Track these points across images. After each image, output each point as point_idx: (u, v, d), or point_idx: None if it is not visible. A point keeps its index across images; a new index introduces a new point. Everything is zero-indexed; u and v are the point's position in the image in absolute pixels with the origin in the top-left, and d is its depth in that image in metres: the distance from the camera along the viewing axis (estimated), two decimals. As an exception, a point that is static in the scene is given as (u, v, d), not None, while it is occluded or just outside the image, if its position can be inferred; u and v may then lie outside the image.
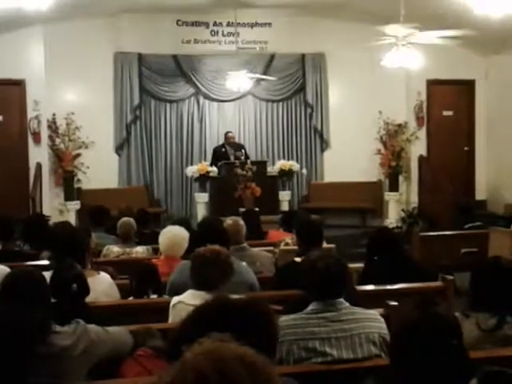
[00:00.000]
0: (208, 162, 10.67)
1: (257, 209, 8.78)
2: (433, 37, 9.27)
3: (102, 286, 4.02)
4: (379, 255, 4.66)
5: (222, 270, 3.49)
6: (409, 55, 8.96)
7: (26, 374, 2.15)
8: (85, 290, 3.44)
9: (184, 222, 5.97)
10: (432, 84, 11.68)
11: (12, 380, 2.05)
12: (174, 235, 4.97)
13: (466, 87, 11.98)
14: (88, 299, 3.50)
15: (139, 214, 6.99)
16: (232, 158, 10.53)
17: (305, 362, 2.81)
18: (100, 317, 3.44)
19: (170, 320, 3.52)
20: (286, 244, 6.29)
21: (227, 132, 11.11)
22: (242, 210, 8.47)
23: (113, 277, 4.33)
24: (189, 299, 3.41)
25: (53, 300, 3.37)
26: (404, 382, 1.88)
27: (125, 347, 3.00)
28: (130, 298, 4.13)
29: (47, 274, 3.46)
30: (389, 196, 11.49)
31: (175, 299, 3.54)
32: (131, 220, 6.01)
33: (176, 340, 1.85)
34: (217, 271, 3.46)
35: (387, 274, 4.43)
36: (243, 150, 10.66)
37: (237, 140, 11.21)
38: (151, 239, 5.98)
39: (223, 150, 10.82)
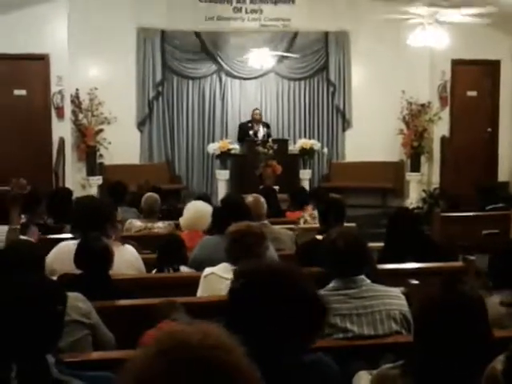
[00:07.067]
0: (229, 140, 10.70)
1: (276, 187, 8.78)
2: (459, 16, 9.15)
3: (126, 258, 4.04)
4: (399, 235, 4.66)
5: (263, 248, 3.49)
6: (434, 34, 8.85)
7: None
8: (109, 262, 3.49)
9: (203, 198, 6.02)
10: (457, 64, 11.52)
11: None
12: (197, 210, 5.02)
13: (491, 68, 11.81)
14: (112, 270, 3.54)
15: (153, 191, 6.96)
16: (259, 134, 10.54)
17: (326, 338, 2.84)
18: (125, 290, 3.50)
19: (200, 290, 3.54)
20: (305, 221, 6.32)
21: (255, 109, 11.11)
22: (260, 187, 8.47)
23: (137, 250, 4.37)
24: (222, 271, 3.41)
25: (79, 272, 3.45)
26: (428, 359, 1.90)
27: (106, 338, 3.09)
28: (154, 271, 4.18)
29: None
30: (410, 176, 11.44)
31: (208, 270, 3.53)
32: (156, 195, 6.05)
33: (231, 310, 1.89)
34: (261, 249, 3.43)
35: (406, 254, 4.43)
36: (266, 129, 10.69)
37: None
38: (170, 215, 6.01)
39: (249, 125, 10.83)
